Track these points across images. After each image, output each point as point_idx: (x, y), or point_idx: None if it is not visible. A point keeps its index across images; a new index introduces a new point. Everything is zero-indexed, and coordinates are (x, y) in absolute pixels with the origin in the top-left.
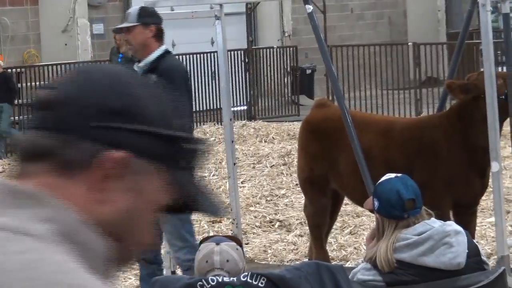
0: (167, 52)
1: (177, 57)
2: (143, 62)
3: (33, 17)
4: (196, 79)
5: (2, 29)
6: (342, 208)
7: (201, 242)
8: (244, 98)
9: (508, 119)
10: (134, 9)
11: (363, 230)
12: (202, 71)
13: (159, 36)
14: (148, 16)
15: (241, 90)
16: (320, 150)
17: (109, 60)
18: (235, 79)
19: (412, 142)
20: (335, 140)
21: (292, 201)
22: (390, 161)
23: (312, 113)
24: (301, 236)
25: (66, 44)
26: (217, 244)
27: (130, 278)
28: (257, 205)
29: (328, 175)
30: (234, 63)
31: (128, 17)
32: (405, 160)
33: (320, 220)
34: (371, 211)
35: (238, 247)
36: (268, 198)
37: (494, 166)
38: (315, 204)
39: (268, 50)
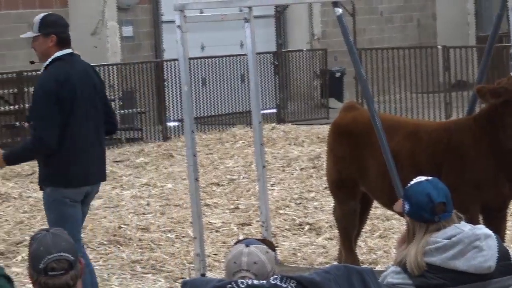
0: (54, 60)
1: (206, 59)
2: (41, 70)
3: None
4: (225, 82)
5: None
6: (371, 212)
7: (235, 244)
8: (274, 101)
9: None
10: (37, 18)
11: (393, 233)
12: (232, 74)
13: (60, 43)
14: (49, 26)
15: (270, 93)
16: (348, 153)
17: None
18: (265, 82)
19: (440, 145)
20: (363, 143)
21: (321, 204)
22: (418, 164)
23: (341, 116)
24: (331, 239)
25: (95, 47)
26: (247, 246)
27: (160, 281)
28: (287, 208)
29: (356, 178)
30: (264, 66)
31: (32, 26)
32: (433, 163)
33: (349, 223)
34: (401, 214)
35: (269, 250)
36: (298, 201)
37: None
38: (344, 207)
39: (297, 53)
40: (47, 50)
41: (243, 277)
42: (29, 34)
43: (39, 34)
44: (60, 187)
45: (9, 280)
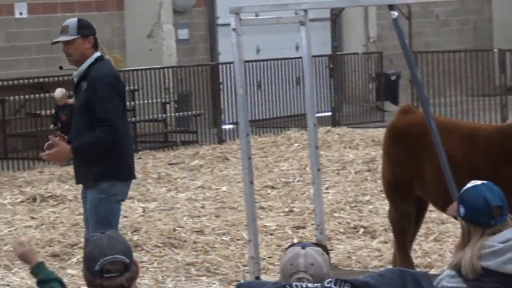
0: (97, 60)
1: (261, 62)
2: (78, 71)
3: (118, 22)
4: (280, 85)
5: None
6: (426, 215)
7: (289, 247)
8: (329, 103)
9: None
10: (71, 22)
11: (448, 237)
12: (287, 77)
13: (95, 45)
14: (86, 28)
15: (325, 96)
16: (404, 156)
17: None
18: (320, 84)
19: (496, 148)
20: (419, 146)
21: (376, 207)
22: (474, 168)
23: (397, 119)
24: (386, 242)
25: (151, 50)
26: (303, 248)
27: (214, 283)
28: (341, 211)
29: (412, 181)
30: (319, 68)
31: (67, 30)
32: (489, 166)
33: (404, 226)
34: (455, 217)
35: (324, 252)
36: (353, 204)
37: None
38: (399, 210)
39: (352, 56)
40: (85, 52)
41: (300, 279)
42: (65, 37)
43: (77, 36)
44: (116, 181)
45: (61, 283)
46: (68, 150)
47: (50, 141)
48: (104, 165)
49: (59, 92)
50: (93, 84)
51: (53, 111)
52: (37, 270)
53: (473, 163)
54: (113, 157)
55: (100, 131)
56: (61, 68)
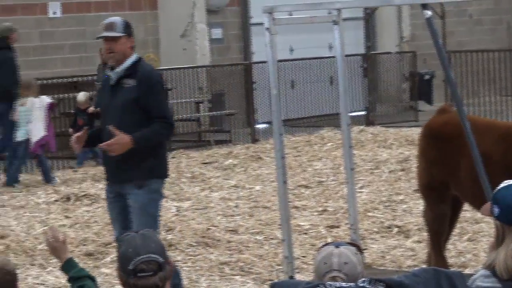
0: (140, 59)
1: (295, 62)
2: (120, 68)
3: (152, 22)
4: (314, 84)
5: None
6: (461, 214)
7: (323, 246)
8: (362, 103)
9: None
10: (118, 20)
11: (482, 236)
12: (320, 76)
13: (134, 46)
14: (130, 28)
15: (359, 95)
16: (440, 156)
17: (96, 74)
18: (353, 84)
19: None
20: (455, 146)
21: (410, 207)
22: (510, 167)
23: (433, 119)
24: (420, 242)
25: (184, 49)
26: (337, 247)
27: (248, 283)
28: (375, 211)
29: (448, 181)
30: (352, 68)
31: (114, 27)
32: None
33: (440, 226)
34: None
35: (358, 252)
36: (386, 204)
37: None
38: (435, 210)
39: (386, 55)
40: (127, 51)
41: (333, 278)
42: (113, 33)
43: (124, 34)
44: (163, 180)
45: (92, 280)
46: (128, 141)
47: (80, 134)
48: (155, 163)
49: (82, 96)
50: (146, 81)
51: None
52: (68, 266)
53: (509, 162)
54: (161, 155)
55: (160, 127)
56: (104, 64)
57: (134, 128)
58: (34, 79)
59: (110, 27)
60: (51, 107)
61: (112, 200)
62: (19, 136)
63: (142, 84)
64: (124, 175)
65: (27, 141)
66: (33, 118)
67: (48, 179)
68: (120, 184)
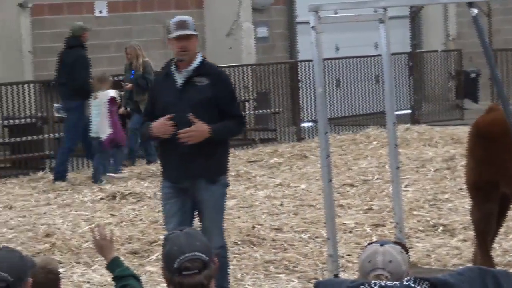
0: (204, 58)
1: (340, 60)
2: (191, 67)
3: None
4: (359, 83)
5: (167, 32)
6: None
7: (367, 246)
8: (408, 102)
9: None
10: (189, 18)
11: None
12: (366, 75)
13: None
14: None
15: (404, 94)
16: (488, 155)
17: (123, 75)
18: (399, 82)
19: None
20: (503, 144)
21: (456, 205)
22: None
23: (481, 118)
24: (465, 240)
25: (230, 48)
26: (382, 245)
27: (293, 281)
28: (421, 209)
29: (497, 179)
30: (398, 66)
31: (188, 25)
32: None
33: (486, 225)
34: None
35: (403, 251)
36: (432, 203)
37: None
38: (482, 209)
39: (432, 54)
40: (195, 50)
41: (378, 276)
42: (189, 31)
43: (196, 33)
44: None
45: (137, 279)
46: (206, 130)
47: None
48: (225, 158)
49: (113, 93)
50: (221, 81)
51: (129, 109)
52: (113, 265)
53: None
54: (228, 151)
55: (234, 124)
56: (180, 60)
57: (211, 124)
58: (108, 74)
59: (184, 25)
60: (111, 101)
61: (172, 195)
62: (93, 131)
63: (217, 83)
64: (198, 170)
65: (98, 137)
66: (101, 113)
67: (95, 178)
68: (190, 180)
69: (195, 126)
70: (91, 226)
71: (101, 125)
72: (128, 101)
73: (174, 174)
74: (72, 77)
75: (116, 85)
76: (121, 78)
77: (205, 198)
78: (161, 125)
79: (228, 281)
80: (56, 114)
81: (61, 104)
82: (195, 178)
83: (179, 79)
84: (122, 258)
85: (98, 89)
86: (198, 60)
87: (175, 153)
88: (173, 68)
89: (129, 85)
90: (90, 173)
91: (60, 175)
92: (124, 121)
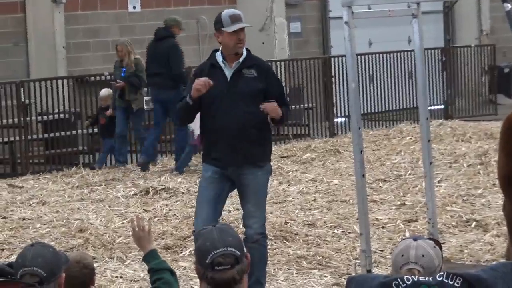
0: (249, 50)
1: (373, 55)
2: (241, 58)
3: None
4: (393, 78)
5: (201, 28)
6: None
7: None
8: (441, 97)
9: None
10: (240, 12)
11: None
12: (399, 70)
13: None
14: None
15: (438, 89)
16: None
17: (112, 74)
18: (432, 78)
19: None
20: None
21: (489, 201)
22: None
23: None
24: (498, 236)
25: (263, 43)
26: (415, 240)
27: (325, 276)
28: (454, 205)
29: None
30: (431, 61)
31: (242, 18)
32: None
33: None
34: None
35: (436, 246)
36: (465, 198)
37: None
38: None
39: (465, 48)
40: None
41: (410, 270)
42: (246, 24)
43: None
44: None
45: (172, 273)
46: (280, 111)
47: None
48: (270, 146)
49: (105, 91)
50: (269, 72)
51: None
52: (149, 258)
53: None
54: (271, 140)
55: (286, 112)
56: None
57: (259, 114)
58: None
59: (240, 18)
60: None
61: (213, 180)
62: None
63: (267, 75)
64: (247, 156)
65: (191, 131)
66: None
67: (180, 168)
68: (238, 165)
69: (272, 103)
70: (124, 222)
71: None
72: (119, 100)
73: (220, 159)
74: (168, 67)
75: (108, 85)
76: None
77: (250, 183)
78: (197, 83)
79: (265, 274)
80: (145, 108)
81: (152, 95)
82: (242, 163)
83: (228, 70)
84: None
85: None
86: (245, 52)
87: (223, 139)
88: (221, 59)
89: (120, 83)
90: (123, 169)
91: (149, 160)
92: (109, 126)
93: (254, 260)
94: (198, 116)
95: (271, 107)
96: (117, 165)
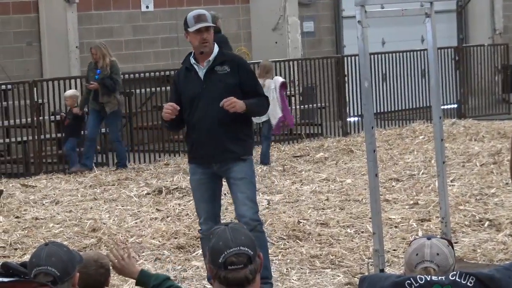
0: (220, 47)
1: (386, 55)
2: (211, 57)
3: (244, 15)
4: (405, 77)
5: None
6: None
7: (412, 241)
8: (454, 96)
9: None
10: (205, 11)
11: None
12: (412, 69)
13: None
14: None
15: (451, 88)
16: None
17: (86, 77)
18: (445, 77)
19: None
20: None
21: (502, 200)
22: None
23: None
24: (511, 235)
25: (276, 42)
26: (428, 239)
27: (338, 276)
28: (467, 204)
29: None
30: (444, 61)
31: (206, 18)
32: None
33: None
34: None
35: (449, 245)
36: (478, 197)
37: None
38: None
39: (478, 48)
40: (212, 41)
41: (426, 268)
42: (209, 23)
43: (214, 25)
44: None
45: (170, 278)
46: (242, 103)
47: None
48: (251, 140)
49: (71, 91)
50: (242, 66)
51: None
52: (144, 278)
53: None
54: (252, 135)
55: (261, 100)
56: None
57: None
58: (272, 62)
59: (203, 18)
60: (284, 86)
61: (203, 181)
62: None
63: (239, 68)
64: (230, 152)
65: (268, 121)
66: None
67: (265, 161)
68: (223, 162)
69: (234, 98)
70: (136, 221)
71: (271, 110)
72: (93, 102)
73: (204, 158)
74: None
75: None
76: (167, 73)
77: (237, 174)
78: (165, 109)
79: (268, 258)
80: None
81: None
82: (227, 160)
83: (201, 70)
84: (167, 253)
85: (264, 77)
86: (215, 50)
87: (203, 138)
88: (192, 61)
89: (94, 85)
90: (136, 168)
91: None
92: (79, 122)
93: None
94: (276, 104)
95: (228, 103)
96: (82, 168)
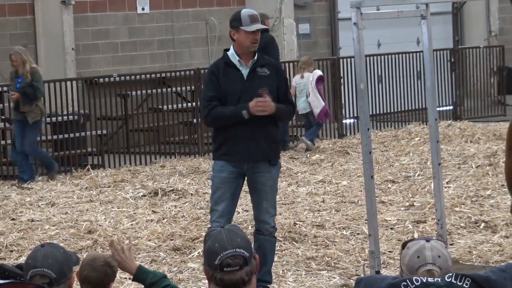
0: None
1: (382, 57)
2: (255, 58)
3: None
4: (401, 79)
5: (210, 29)
6: None
7: (405, 243)
8: (450, 98)
9: None
10: (257, 13)
11: None
12: (408, 71)
13: None
14: None
15: (446, 90)
16: None
17: (9, 85)
18: (441, 79)
19: None
20: None
21: (498, 202)
22: None
23: None
24: (507, 237)
25: None
26: (427, 241)
27: (334, 277)
28: (462, 206)
29: None
30: (440, 63)
31: (259, 19)
32: None
33: None
34: None
35: (446, 246)
36: (474, 199)
37: None
38: None
39: (474, 49)
40: None
41: (429, 271)
42: (262, 26)
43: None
44: None
45: (166, 277)
46: (274, 105)
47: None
48: (280, 143)
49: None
50: (279, 70)
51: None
52: (142, 274)
53: None
54: (280, 137)
55: (289, 108)
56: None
57: None
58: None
59: (258, 19)
60: (321, 79)
61: (229, 180)
62: (302, 108)
63: (277, 73)
64: (262, 154)
65: (311, 111)
66: (310, 91)
67: (309, 136)
68: (253, 163)
69: (267, 99)
70: (132, 223)
71: (312, 101)
72: (15, 113)
73: (236, 156)
74: None
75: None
76: (163, 75)
77: (266, 181)
78: (260, 102)
79: (271, 271)
80: None
81: None
82: (257, 161)
83: (244, 69)
84: (163, 255)
85: (304, 71)
86: (256, 52)
87: (240, 136)
88: (237, 58)
89: (15, 95)
90: (132, 170)
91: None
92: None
93: (266, 252)
94: (317, 95)
95: (264, 101)
96: (20, 183)
